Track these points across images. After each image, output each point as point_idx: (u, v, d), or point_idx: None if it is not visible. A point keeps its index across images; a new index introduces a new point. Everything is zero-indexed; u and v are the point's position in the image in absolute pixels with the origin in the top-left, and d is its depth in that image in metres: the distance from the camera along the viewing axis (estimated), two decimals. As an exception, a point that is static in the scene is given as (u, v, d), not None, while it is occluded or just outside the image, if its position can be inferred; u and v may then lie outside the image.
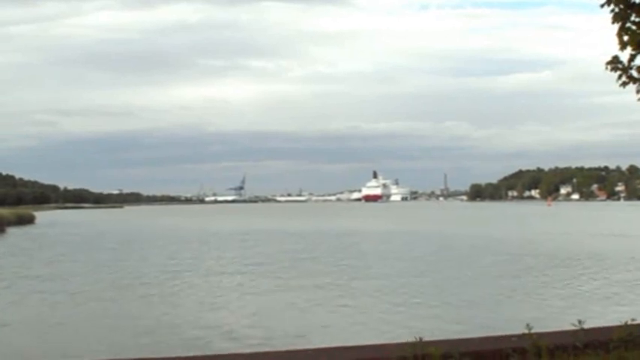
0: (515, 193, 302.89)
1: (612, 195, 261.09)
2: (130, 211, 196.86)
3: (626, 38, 6.61)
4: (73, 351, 16.26)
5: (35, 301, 23.94)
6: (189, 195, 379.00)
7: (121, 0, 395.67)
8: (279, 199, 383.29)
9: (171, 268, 33.90)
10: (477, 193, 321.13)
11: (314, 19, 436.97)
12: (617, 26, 6.64)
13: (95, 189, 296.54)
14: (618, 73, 6.76)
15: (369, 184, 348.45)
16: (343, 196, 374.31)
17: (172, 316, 20.52)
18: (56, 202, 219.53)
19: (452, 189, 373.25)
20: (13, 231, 73.09)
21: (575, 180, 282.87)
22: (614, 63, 6.80)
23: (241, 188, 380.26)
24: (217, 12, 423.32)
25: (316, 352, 7.24)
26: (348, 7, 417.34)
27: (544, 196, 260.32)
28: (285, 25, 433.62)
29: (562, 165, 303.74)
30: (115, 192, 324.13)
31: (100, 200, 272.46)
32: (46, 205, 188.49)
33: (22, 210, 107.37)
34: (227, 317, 20.50)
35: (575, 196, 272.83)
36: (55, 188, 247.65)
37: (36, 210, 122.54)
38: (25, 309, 22.18)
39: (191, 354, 8.51)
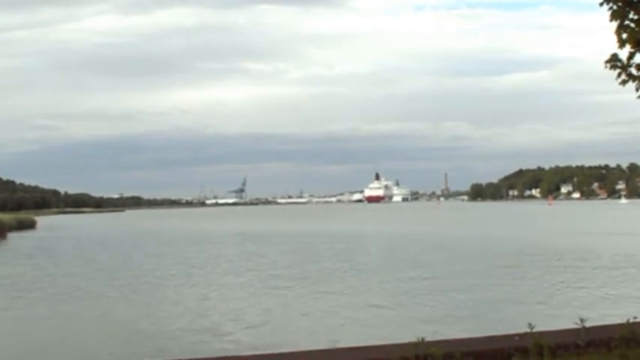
0: (515, 193, 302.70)
1: (613, 193, 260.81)
2: (130, 215, 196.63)
3: (624, 36, 6.58)
4: None
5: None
6: (190, 198, 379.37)
7: (117, 5, 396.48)
8: (279, 201, 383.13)
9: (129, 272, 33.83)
10: (478, 192, 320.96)
11: (310, 22, 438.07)
12: (615, 24, 6.62)
13: (96, 193, 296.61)
14: (617, 71, 6.74)
15: (372, 185, 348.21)
16: (344, 198, 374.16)
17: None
18: (57, 206, 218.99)
19: (452, 189, 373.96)
20: (13, 236, 73.09)
21: (575, 179, 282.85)
22: (613, 61, 6.76)
23: (242, 191, 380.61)
24: (213, 15, 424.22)
25: (320, 353, 7.22)
26: (344, 8, 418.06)
27: (545, 195, 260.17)
28: (281, 28, 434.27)
29: (562, 164, 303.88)
30: (116, 196, 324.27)
31: (100, 204, 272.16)
32: (46, 210, 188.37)
33: (22, 215, 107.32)
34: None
35: (576, 195, 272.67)
36: (55, 193, 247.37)
37: (37, 215, 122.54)
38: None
39: (190, 356, 8.48)
